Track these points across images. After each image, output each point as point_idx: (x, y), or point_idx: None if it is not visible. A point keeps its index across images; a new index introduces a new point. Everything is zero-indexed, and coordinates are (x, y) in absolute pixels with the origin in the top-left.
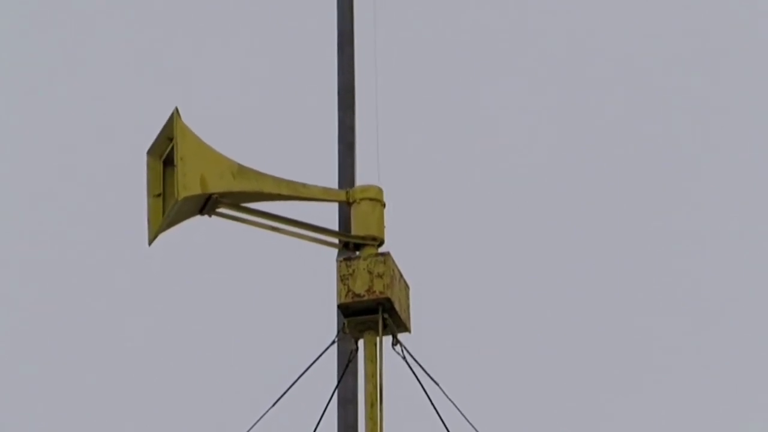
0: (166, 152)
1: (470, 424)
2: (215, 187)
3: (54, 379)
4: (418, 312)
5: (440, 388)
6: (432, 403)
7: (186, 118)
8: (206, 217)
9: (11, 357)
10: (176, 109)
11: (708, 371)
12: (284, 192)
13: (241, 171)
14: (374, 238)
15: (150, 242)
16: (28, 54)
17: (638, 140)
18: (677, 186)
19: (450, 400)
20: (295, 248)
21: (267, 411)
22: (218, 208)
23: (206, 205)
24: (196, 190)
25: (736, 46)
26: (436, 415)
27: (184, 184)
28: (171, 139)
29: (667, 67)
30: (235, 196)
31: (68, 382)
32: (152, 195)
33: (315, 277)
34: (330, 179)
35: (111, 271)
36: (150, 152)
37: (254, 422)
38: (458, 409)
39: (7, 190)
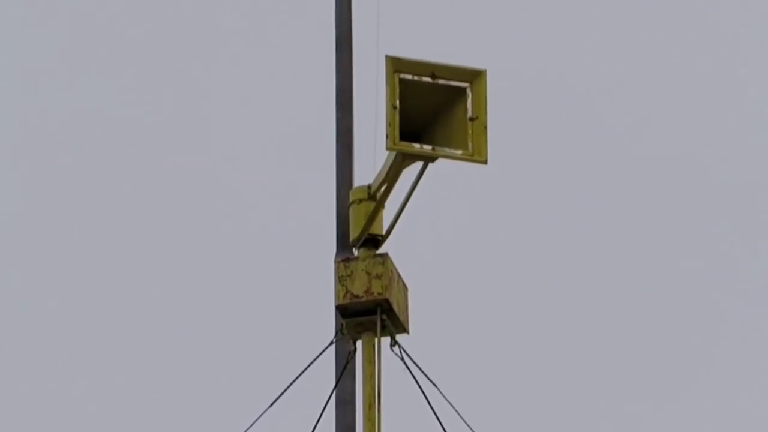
0: (412, 77)
1: (468, 426)
2: None
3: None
4: (416, 313)
5: (438, 389)
6: (430, 405)
7: (186, 115)
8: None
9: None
10: (485, 71)
11: (709, 374)
12: None
13: None
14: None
15: (389, 148)
16: None
17: (642, 141)
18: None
19: (448, 401)
20: (294, 248)
21: (264, 411)
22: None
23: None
24: None
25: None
26: (434, 417)
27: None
28: (434, 76)
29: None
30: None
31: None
32: (391, 104)
33: (313, 278)
34: (328, 179)
35: None
36: (393, 61)
37: (251, 423)
38: (456, 410)
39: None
